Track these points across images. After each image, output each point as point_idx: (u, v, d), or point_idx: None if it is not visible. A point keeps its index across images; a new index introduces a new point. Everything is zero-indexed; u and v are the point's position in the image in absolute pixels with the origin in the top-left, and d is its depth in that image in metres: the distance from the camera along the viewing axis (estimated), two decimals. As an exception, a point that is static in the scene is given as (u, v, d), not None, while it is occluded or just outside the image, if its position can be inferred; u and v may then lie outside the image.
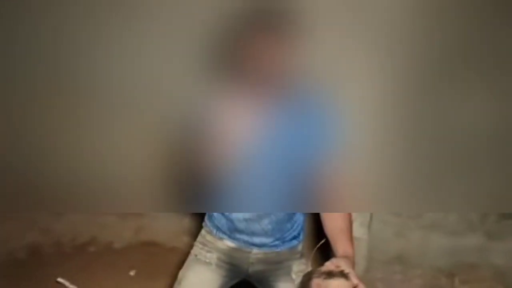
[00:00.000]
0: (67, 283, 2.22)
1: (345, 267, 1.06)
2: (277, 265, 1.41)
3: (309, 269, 1.26)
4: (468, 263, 2.21)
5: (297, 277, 1.40)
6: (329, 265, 1.07)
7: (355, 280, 1.04)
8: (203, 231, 1.47)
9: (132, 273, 2.40)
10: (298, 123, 1.10)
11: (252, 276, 1.43)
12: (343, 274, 1.05)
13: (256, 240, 1.37)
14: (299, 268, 1.42)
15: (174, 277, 1.47)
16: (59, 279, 2.23)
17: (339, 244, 1.20)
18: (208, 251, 1.41)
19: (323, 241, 1.23)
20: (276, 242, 1.38)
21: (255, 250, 1.39)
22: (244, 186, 1.12)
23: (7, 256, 2.45)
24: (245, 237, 1.37)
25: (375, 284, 2.30)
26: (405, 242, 2.30)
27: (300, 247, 1.46)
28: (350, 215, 1.25)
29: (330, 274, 1.05)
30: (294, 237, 1.42)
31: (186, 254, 1.49)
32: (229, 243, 1.40)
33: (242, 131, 1.08)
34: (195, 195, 1.14)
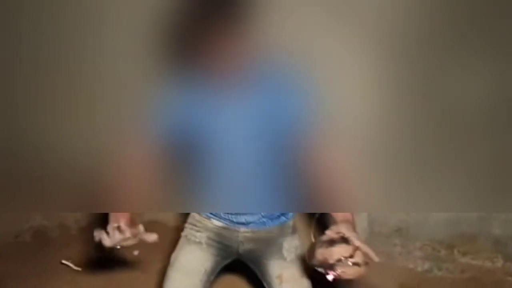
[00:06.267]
0: (71, 265, 2.26)
1: (345, 231, 1.04)
2: (267, 243, 1.40)
3: (313, 241, 1.25)
4: (468, 235, 2.20)
5: (288, 254, 1.40)
6: (329, 233, 1.05)
7: (356, 243, 1.01)
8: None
9: (136, 252, 2.43)
10: (274, 108, 1.02)
11: (243, 255, 1.43)
12: (344, 239, 1.03)
13: (241, 218, 1.37)
14: (290, 244, 1.41)
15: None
16: (64, 261, 2.26)
17: None
18: (197, 231, 1.42)
19: (317, 215, 1.21)
20: (263, 220, 1.38)
21: (242, 229, 1.39)
22: (230, 184, 1.07)
23: (12, 239, 2.49)
24: (230, 216, 1.37)
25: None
26: (404, 215, 2.28)
27: (291, 223, 1.45)
28: None
29: (331, 242, 1.03)
30: (283, 213, 1.40)
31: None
32: (216, 222, 1.40)
33: (217, 124, 1.03)
34: (180, 194, 1.09)
